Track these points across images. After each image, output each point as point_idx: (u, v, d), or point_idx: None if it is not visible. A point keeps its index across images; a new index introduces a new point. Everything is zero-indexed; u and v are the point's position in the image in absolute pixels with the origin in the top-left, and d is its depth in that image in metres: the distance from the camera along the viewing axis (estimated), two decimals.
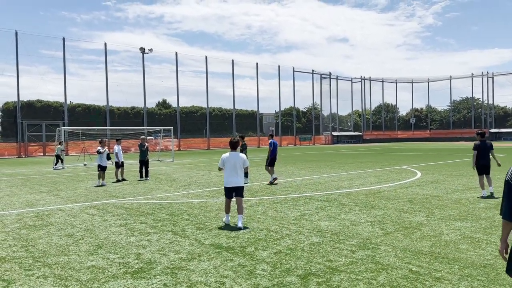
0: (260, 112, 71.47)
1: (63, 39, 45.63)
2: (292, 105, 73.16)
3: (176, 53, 54.87)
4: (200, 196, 11.11)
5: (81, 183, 14.82)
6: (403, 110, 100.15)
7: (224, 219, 7.59)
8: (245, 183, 12.94)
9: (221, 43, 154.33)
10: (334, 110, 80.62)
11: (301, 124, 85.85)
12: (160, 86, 69.96)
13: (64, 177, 17.30)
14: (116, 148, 15.62)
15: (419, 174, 15.49)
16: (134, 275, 4.78)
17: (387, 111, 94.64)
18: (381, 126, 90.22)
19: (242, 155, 7.57)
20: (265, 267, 4.98)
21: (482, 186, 10.03)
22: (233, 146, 7.60)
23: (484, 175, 10.11)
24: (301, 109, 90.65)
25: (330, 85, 77.65)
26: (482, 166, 10.10)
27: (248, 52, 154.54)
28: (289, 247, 5.86)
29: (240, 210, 7.25)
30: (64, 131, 25.84)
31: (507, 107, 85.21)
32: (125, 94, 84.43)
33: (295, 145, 67.39)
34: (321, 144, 72.25)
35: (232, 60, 62.23)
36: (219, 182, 14.05)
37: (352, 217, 7.83)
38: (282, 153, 38.90)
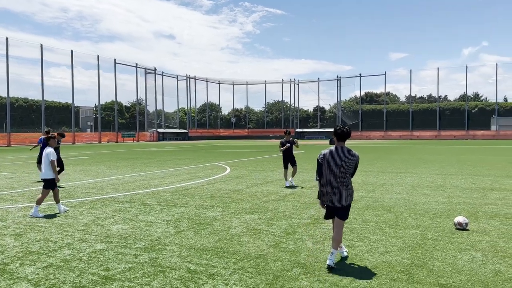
0: (76, 105, 65.00)
1: None
2: (114, 99, 68.98)
3: None
4: None
5: None
6: (226, 110, 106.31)
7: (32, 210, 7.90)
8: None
9: (30, 25, 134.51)
10: (159, 107, 79.55)
11: (124, 119, 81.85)
12: None
13: None
14: None
15: (228, 170, 16.36)
16: None
17: (211, 110, 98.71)
18: (206, 124, 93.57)
19: (48, 149, 8.17)
20: (24, 286, 4.20)
21: (286, 178, 11.70)
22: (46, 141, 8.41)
23: (290, 167, 11.88)
24: (124, 104, 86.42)
25: (155, 80, 76.30)
26: (289, 159, 11.89)
27: (64, 38, 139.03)
28: (65, 258, 5.15)
29: (56, 200, 8.11)
30: None
31: (309, 111, 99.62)
32: None
33: (117, 141, 63.76)
34: (145, 141, 70.32)
35: (41, 45, 54.77)
36: (4, 186, 11.92)
37: (150, 217, 7.54)
38: (98, 150, 35.98)
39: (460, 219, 6.58)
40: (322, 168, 4.84)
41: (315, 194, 10.22)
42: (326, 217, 5.09)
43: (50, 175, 7.98)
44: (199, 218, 7.40)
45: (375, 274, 4.52)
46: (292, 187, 11.33)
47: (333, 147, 4.88)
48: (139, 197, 9.81)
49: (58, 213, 7.94)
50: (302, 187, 11.26)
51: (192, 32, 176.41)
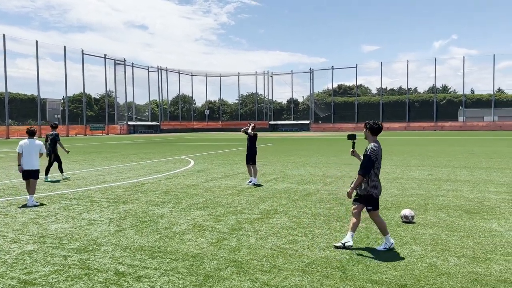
0: (43, 97, 62.84)
1: None
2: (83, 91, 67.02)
3: None
4: None
5: None
6: (199, 102, 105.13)
7: (28, 198, 8.30)
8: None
9: None
10: (130, 99, 77.89)
11: (93, 112, 79.85)
12: None
13: None
14: None
15: (191, 164, 16.07)
16: None
17: (184, 102, 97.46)
18: (179, 116, 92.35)
19: (38, 142, 8.57)
20: None
21: (250, 174, 10.83)
22: (30, 133, 8.64)
23: (251, 165, 10.71)
24: (93, 96, 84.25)
25: (125, 72, 74.54)
26: (248, 156, 10.77)
27: (32, 28, 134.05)
28: None
29: (31, 191, 8.25)
30: None
31: (283, 103, 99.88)
32: None
33: (85, 135, 62.08)
34: (116, 134, 68.75)
35: (4, 35, 52.49)
36: None
37: (94, 215, 7.23)
38: (63, 144, 34.62)
39: (406, 212, 6.60)
40: (375, 163, 5.21)
41: (272, 188, 10.09)
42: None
43: (38, 166, 8.52)
44: (145, 216, 7.15)
45: (309, 271, 4.42)
46: (256, 185, 10.44)
47: (376, 142, 5.33)
48: (89, 194, 9.44)
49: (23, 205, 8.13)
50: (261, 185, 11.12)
51: (165, 23, 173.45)
